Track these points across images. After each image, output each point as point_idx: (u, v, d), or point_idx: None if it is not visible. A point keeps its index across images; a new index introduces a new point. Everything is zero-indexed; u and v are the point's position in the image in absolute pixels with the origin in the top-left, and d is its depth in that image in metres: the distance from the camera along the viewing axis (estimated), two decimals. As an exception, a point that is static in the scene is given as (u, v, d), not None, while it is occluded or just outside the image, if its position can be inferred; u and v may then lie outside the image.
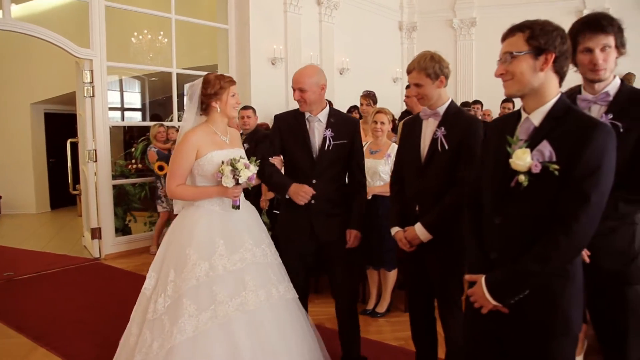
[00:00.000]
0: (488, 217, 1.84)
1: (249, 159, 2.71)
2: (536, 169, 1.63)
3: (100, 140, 6.07)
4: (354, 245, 2.96)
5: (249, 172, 2.65)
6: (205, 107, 2.75)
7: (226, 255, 2.58)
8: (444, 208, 2.52)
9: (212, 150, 2.68)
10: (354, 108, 6.96)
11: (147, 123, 7.23)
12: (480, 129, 2.58)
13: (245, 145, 3.56)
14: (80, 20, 6.19)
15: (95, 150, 6.05)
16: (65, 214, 9.54)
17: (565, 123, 1.66)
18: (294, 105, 3.06)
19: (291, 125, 3.02)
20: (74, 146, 7.00)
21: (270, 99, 7.25)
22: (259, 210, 4.50)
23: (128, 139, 10.87)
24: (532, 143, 1.68)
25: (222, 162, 2.65)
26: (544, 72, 1.68)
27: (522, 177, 1.66)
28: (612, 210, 1.94)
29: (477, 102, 8.29)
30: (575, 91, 2.22)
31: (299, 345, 2.65)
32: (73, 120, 7.13)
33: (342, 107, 6.00)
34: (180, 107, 7.49)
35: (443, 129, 2.58)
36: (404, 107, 5.96)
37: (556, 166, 1.60)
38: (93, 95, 5.99)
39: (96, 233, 6.15)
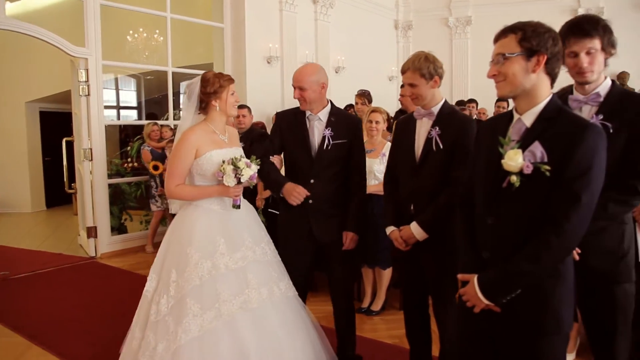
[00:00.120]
0: (480, 217, 1.86)
1: (248, 158, 2.70)
2: (528, 170, 1.65)
3: (95, 139, 6.07)
4: (350, 247, 2.96)
5: (250, 171, 2.64)
6: (204, 106, 2.72)
7: (227, 254, 2.57)
8: (439, 207, 2.53)
9: (211, 150, 2.66)
10: (349, 107, 6.97)
11: (143, 122, 7.22)
12: (474, 128, 2.59)
13: (240, 144, 3.54)
14: (76, 19, 6.17)
15: (91, 149, 6.05)
16: (60, 213, 9.52)
17: (556, 124, 1.67)
18: (290, 104, 3.07)
19: (291, 123, 3.01)
20: (70, 145, 6.99)
21: (265, 98, 7.26)
22: (255, 209, 4.50)
23: (124, 138, 10.85)
24: (524, 144, 1.69)
25: (223, 162, 2.63)
26: (536, 74, 1.69)
27: (514, 178, 1.67)
28: (602, 210, 1.96)
29: (472, 100, 8.32)
30: (567, 91, 2.23)
31: (303, 342, 2.64)
32: (68, 118, 7.11)
33: (338, 105, 6.00)
34: (176, 106, 7.49)
35: (437, 128, 2.59)
36: (400, 106, 5.97)
37: (547, 167, 1.62)
38: (88, 94, 5.98)
39: (92, 232, 6.15)
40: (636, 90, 8.07)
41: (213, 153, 2.66)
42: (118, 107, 12.21)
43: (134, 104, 12.67)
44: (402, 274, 2.99)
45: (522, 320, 1.74)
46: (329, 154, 2.90)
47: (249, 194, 4.56)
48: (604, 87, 2.13)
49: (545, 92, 1.73)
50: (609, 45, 2.09)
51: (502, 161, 1.70)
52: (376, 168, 4.04)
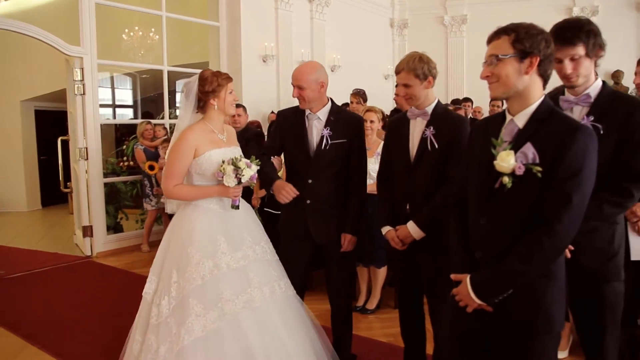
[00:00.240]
0: (473, 217, 1.87)
1: (247, 158, 2.68)
2: (520, 171, 1.66)
3: (91, 138, 6.06)
4: (348, 250, 2.94)
5: (251, 171, 2.62)
6: (202, 105, 2.69)
7: (229, 253, 2.55)
8: (436, 206, 2.54)
9: (210, 149, 2.63)
10: (344, 105, 6.98)
11: (138, 121, 7.22)
12: (467, 127, 2.63)
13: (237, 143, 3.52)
14: (71, 18, 6.15)
15: (87, 148, 6.04)
16: (56, 212, 9.50)
17: (548, 125, 1.69)
18: (285, 103, 3.07)
19: (291, 122, 2.98)
20: (65, 144, 6.99)
21: (261, 97, 7.27)
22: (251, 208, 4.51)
23: (119, 136, 10.85)
24: (516, 145, 1.70)
25: (223, 162, 2.61)
26: (529, 75, 1.71)
27: (506, 179, 1.69)
28: (597, 211, 1.98)
29: (467, 99, 8.34)
30: (558, 91, 2.25)
31: (303, 340, 2.64)
32: (64, 117, 7.11)
33: (333, 104, 6.01)
34: (172, 104, 7.48)
35: (432, 128, 2.61)
36: (395, 105, 5.99)
37: (539, 168, 1.63)
38: (84, 93, 5.97)
39: (88, 231, 6.14)
40: (631, 89, 8.13)
41: (212, 152, 2.63)
42: (114, 106, 12.20)
43: (130, 103, 12.65)
44: (398, 273, 3.01)
45: (514, 320, 1.76)
46: (327, 153, 2.87)
47: (245, 193, 4.55)
48: (594, 88, 2.15)
49: (537, 94, 1.74)
50: (595, 49, 2.09)
51: (494, 162, 1.71)
52: (371, 167, 4.04)
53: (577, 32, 2.06)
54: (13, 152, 9.55)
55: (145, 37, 8.94)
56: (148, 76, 11.48)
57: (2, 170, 9.51)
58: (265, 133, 5.78)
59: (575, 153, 1.61)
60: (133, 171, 7.17)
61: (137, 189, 6.99)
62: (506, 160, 1.67)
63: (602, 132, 2.02)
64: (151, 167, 6.01)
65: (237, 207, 2.70)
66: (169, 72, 6.96)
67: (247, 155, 2.77)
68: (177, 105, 11.92)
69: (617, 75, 8.91)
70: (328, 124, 2.89)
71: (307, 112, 2.92)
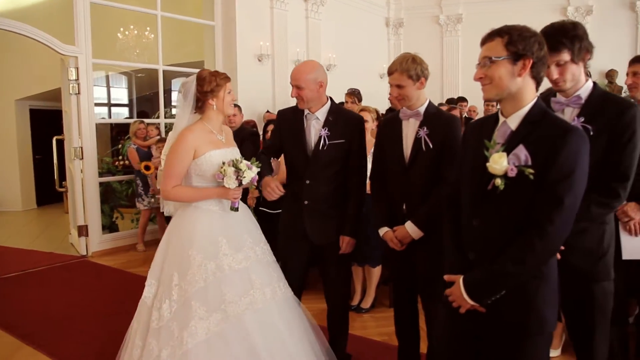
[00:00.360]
0: (466, 219, 1.88)
1: (247, 160, 2.66)
2: (512, 173, 1.67)
3: (86, 138, 6.06)
4: (346, 252, 2.93)
5: (252, 173, 2.60)
6: (200, 105, 2.66)
7: (230, 254, 2.53)
8: (433, 205, 2.56)
9: (210, 150, 2.60)
10: (340, 104, 7.00)
11: (133, 120, 7.22)
12: (459, 126, 2.67)
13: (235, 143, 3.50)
14: (65, 17, 6.14)
15: (82, 147, 6.04)
16: (51, 211, 9.49)
17: (541, 127, 1.70)
18: (281, 103, 3.06)
19: (290, 122, 2.97)
20: (60, 143, 6.98)
21: (256, 96, 7.27)
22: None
23: (115, 136, 10.83)
24: (508, 147, 1.71)
25: (223, 163, 2.58)
26: (522, 78, 1.71)
27: (498, 181, 1.70)
28: (586, 212, 2.00)
29: (462, 99, 8.36)
30: (550, 93, 2.27)
31: (304, 341, 2.63)
32: (59, 116, 7.09)
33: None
34: (167, 104, 7.45)
35: (425, 128, 2.62)
36: (390, 104, 6.01)
37: (531, 170, 1.64)
38: (79, 93, 5.96)
39: (83, 230, 6.14)
40: (624, 89, 8.16)
41: (212, 153, 2.60)
42: (109, 105, 12.17)
43: (125, 102, 12.63)
44: (393, 272, 3.02)
45: (506, 320, 1.77)
46: (325, 154, 2.84)
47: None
48: (585, 90, 2.16)
49: (530, 96, 1.75)
50: (581, 54, 2.11)
51: (487, 164, 1.72)
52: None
53: (561, 39, 2.07)
54: (8, 151, 9.53)
55: (141, 36, 8.92)
56: (143, 75, 11.47)
57: (-3, 170, 9.50)
58: (261, 132, 5.79)
59: (567, 155, 1.62)
60: (128, 170, 7.17)
61: (133, 188, 6.99)
62: (499, 162, 1.68)
63: (592, 133, 2.05)
64: (147, 168, 6.02)
65: (237, 209, 2.67)
66: (164, 71, 6.96)
67: (242, 155, 2.76)
68: (173, 104, 11.92)
69: (611, 74, 8.95)
70: (326, 124, 2.87)
71: (306, 112, 2.89)
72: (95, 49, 6.13)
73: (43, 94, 9.36)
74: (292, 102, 2.95)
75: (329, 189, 2.89)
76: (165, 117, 7.29)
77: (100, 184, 6.48)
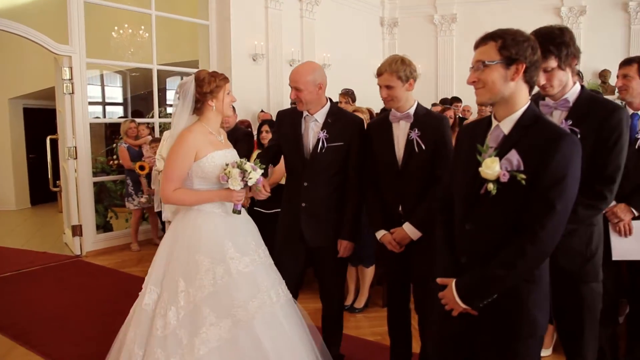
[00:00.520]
0: (459, 222, 1.89)
1: (250, 161, 2.62)
2: (504, 178, 1.67)
3: (80, 137, 6.04)
4: (344, 256, 2.93)
5: (257, 174, 2.56)
6: (199, 106, 2.60)
7: (237, 258, 2.48)
8: (430, 205, 2.57)
9: (212, 151, 2.55)
10: (330, 101, 7.01)
11: (124, 119, 7.22)
12: (449, 125, 2.73)
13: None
14: (59, 16, 6.12)
15: (76, 147, 6.03)
16: (45, 210, 9.46)
17: (533, 132, 1.70)
18: (275, 102, 3.04)
19: (288, 124, 2.95)
20: (54, 142, 6.96)
21: (251, 96, 7.27)
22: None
23: (109, 135, 10.80)
24: (501, 151, 1.72)
25: (227, 165, 2.54)
26: (515, 82, 1.72)
27: (490, 186, 1.70)
28: (573, 213, 2.02)
29: (456, 99, 8.38)
30: (539, 96, 2.29)
31: (306, 342, 2.61)
32: (53, 115, 7.08)
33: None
34: (161, 103, 7.43)
35: (417, 130, 2.65)
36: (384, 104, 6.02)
37: (523, 176, 1.65)
38: (72, 92, 5.95)
39: (77, 230, 6.14)
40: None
41: (214, 154, 2.55)
42: (104, 104, 12.14)
43: (120, 100, 12.60)
44: (387, 272, 3.03)
45: (497, 323, 1.78)
46: (323, 157, 2.82)
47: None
48: (572, 93, 2.19)
49: (523, 100, 1.75)
50: (568, 59, 2.13)
51: (480, 169, 1.72)
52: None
53: (548, 46, 2.08)
54: (1, 150, 9.50)
55: (135, 35, 8.89)
56: (138, 74, 11.44)
57: (-9, 169, 9.46)
58: (255, 132, 5.79)
59: (558, 161, 1.63)
60: (122, 170, 7.15)
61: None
62: (491, 167, 1.69)
63: (579, 135, 2.07)
64: (141, 168, 6.01)
65: (239, 212, 2.62)
66: (158, 70, 6.95)
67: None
68: (168, 103, 11.89)
69: (604, 74, 9.00)
70: (325, 126, 2.84)
71: (305, 113, 2.87)
72: (89, 48, 6.11)
73: (37, 92, 9.32)
74: (287, 102, 2.96)
75: (326, 192, 2.87)
76: (159, 117, 7.28)
77: (95, 183, 6.48)
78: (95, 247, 6.29)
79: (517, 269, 1.69)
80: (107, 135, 10.76)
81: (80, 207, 6.14)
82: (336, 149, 2.83)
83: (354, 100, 5.86)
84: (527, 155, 1.67)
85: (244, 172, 2.51)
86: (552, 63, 2.11)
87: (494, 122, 1.81)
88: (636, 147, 2.81)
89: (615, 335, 2.98)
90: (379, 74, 2.68)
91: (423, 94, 8.73)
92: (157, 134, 6.89)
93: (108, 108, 12.33)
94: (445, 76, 10.17)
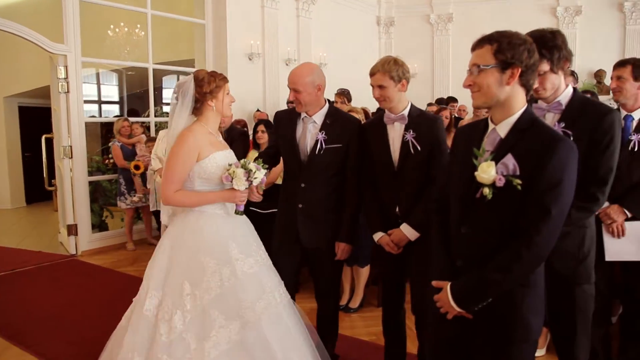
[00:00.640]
0: (455, 226, 1.89)
1: (255, 160, 2.61)
2: (500, 183, 1.66)
3: (75, 136, 6.03)
4: (342, 258, 2.92)
5: (261, 173, 2.53)
6: (198, 106, 2.56)
7: (241, 259, 2.46)
8: (426, 206, 2.57)
9: (214, 152, 2.52)
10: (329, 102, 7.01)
11: (117, 118, 7.20)
12: (443, 125, 2.74)
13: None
14: (54, 15, 6.10)
15: (71, 146, 6.01)
16: (41, 209, 9.43)
17: (530, 136, 1.70)
18: (271, 102, 3.02)
19: (286, 125, 2.94)
20: (49, 141, 6.94)
21: (247, 95, 7.27)
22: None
23: (105, 133, 10.78)
24: (497, 155, 1.71)
25: (230, 165, 2.51)
26: (510, 86, 1.70)
27: (486, 190, 1.69)
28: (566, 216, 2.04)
29: (452, 99, 8.39)
30: (532, 99, 2.30)
31: (306, 342, 2.61)
32: (48, 113, 7.05)
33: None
34: (157, 102, 7.41)
35: (411, 131, 2.65)
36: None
37: (519, 181, 1.64)
38: (68, 91, 5.93)
39: (72, 229, 6.12)
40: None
41: (216, 155, 2.52)
42: (99, 102, 12.11)
43: (116, 99, 12.57)
44: (383, 272, 3.03)
45: (492, 327, 1.79)
46: (322, 158, 2.81)
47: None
48: (565, 96, 2.21)
49: (519, 104, 1.74)
50: (560, 63, 2.14)
51: (475, 173, 1.71)
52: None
53: (540, 49, 2.07)
54: (-3, 149, 9.47)
55: (131, 34, 8.87)
56: (134, 73, 11.41)
57: (-14, 168, 9.42)
58: (250, 132, 5.79)
59: (555, 165, 1.62)
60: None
61: (119, 186, 6.98)
62: (487, 172, 1.68)
63: (572, 138, 2.08)
64: (137, 167, 6.00)
65: (242, 213, 2.61)
66: (154, 69, 6.94)
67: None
68: (164, 101, 11.85)
69: (599, 74, 9.02)
70: (324, 127, 2.83)
71: (303, 115, 2.86)
72: (85, 47, 6.10)
73: (32, 91, 9.29)
74: (283, 102, 2.95)
75: (324, 193, 2.86)
76: (155, 116, 7.27)
77: (90, 182, 6.46)
78: (90, 247, 6.28)
79: (512, 274, 1.68)
80: (102, 134, 10.74)
81: (75, 207, 6.12)
82: (335, 150, 2.82)
83: (349, 100, 5.87)
84: (523, 160, 1.66)
85: (248, 172, 2.49)
86: (545, 66, 2.12)
87: (491, 125, 1.80)
88: (629, 148, 2.83)
89: (608, 336, 3.00)
90: (372, 74, 2.69)
91: (419, 94, 8.76)
92: (152, 133, 6.88)
93: (104, 106, 12.30)
94: (441, 76, 10.18)
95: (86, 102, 7.03)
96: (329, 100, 2.96)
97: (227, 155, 2.60)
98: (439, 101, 8.27)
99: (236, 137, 4.74)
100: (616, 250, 2.76)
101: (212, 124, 2.62)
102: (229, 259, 2.43)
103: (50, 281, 5.21)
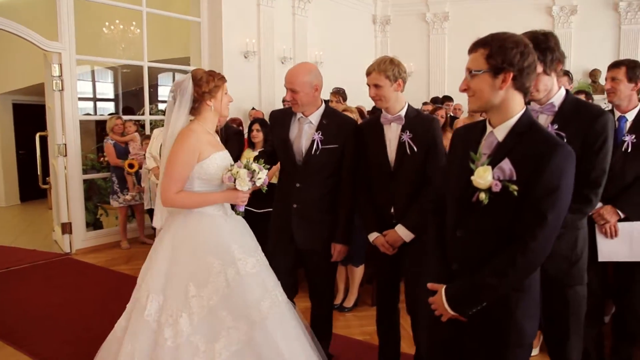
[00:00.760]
0: (450, 229, 1.88)
1: (255, 160, 2.59)
2: (496, 188, 1.65)
3: (70, 134, 6.01)
4: (339, 259, 2.92)
5: (264, 174, 2.52)
6: (196, 106, 2.52)
7: (243, 259, 2.44)
8: (423, 207, 2.58)
9: (214, 152, 2.50)
10: (326, 102, 7.00)
11: (110, 116, 7.17)
12: (439, 126, 2.75)
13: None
14: (49, 12, 6.07)
15: (65, 144, 5.99)
16: (35, 207, 9.39)
17: (527, 140, 1.68)
18: (267, 100, 3.01)
19: (282, 124, 2.93)
20: (44, 139, 6.91)
21: (242, 93, 7.23)
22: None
23: (100, 131, 10.73)
24: (494, 159, 1.69)
25: (232, 166, 2.49)
26: (504, 90, 1.68)
27: (482, 195, 1.67)
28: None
29: (447, 98, 8.39)
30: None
31: (310, 342, 2.60)
32: (43, 111, 7.01)
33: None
34: (152, 100, 7.37)
35: (408, 132, 2.66)
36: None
37: (515, 187, 1.62)
38: (62, 89, 5.91)
39: (67, 228, 6.10)
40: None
41: (216, 156, 2.50)
42: (95, 100, 12.06)
43: (111, 96, 12.52)
44: (378, 271, 3.04)
45: (486, 331, 1.78)
46: (318, 159, 2.80)
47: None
48: (558, 98, 2.21)
49: (517, 107, 1.71)
50: (553, 64, 2.14)
51: (472, 178, 1.70)
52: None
53: None
54: (-10, 146, 9.43)
55: (127, 31, 8.84)
56: (129, 70, 11.37)
57: (-21, 165, 9.38)
58: (246, 131, 5.78)
59: (552, 171, 1.61)
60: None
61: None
62: (483, 177, 1.66)
63: (565, 140, 2.08)
64: (131, 166, 5.98)
65: (243, 213, 2.60)
66: (150, 66, 6.92)
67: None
68: (160, 99, 11.82)
69: (594, 74, 9.04)
70: (320, 128, 2.81)
71: (299, 115, 2.85)
72: (79, 44, 6.07)
73: (27, 88, 9.24)
74: (278, 100, 2.94)
75: (319, 194, 2.86)
76: (150, 114, 7.25)
77: (85, 180, 6.44)
78: (84, 245, 6.26)
79: (507, 279, 1.68)
80: (97, 132, 10.70)
81: (69, 205, 6.11)
82: (331, 151, 2.81)
83: (345, 99, 5.87)
84: (520, 164, 1.64)
85: (252, 173, 2.48)
86: (538, 68, 2.13)
87: (489, 128, 1.79)
88: (622, 149, 2.84)
89: (601, 335, 3.01)
90: (368, 73, 2.69)
91: (415, 93, 8.76)
92: (147, 131, 6.85)
93: (99, 104, 12.24)
94: (437, 74, 10.17)
95: (81, 99, 6.98)
96: (324, 101, 2.95)
97: (225, 156, 2.58)
98: (435, 100, 8.27)
99: (231, 136, 4.73)
100: (609, 250, 2.77)
101: (210, 123, 2.59)
102: (233, 260, 2.41)
103: (44, 280, 5.19)
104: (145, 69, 6.84)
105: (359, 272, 4.25)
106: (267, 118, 5.16)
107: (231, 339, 2.32)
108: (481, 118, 1.87)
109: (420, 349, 2.83)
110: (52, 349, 3.57)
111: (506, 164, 1.65)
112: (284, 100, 4.84)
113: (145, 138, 6.07)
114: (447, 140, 2.72)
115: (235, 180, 2.45)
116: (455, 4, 10.04)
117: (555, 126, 2.15)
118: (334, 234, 2.88)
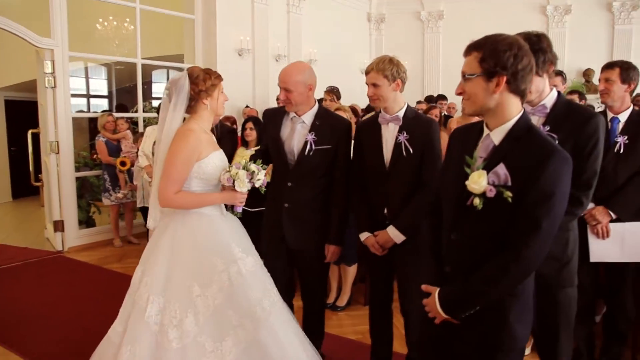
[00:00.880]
0: (445, 231, 1.87)
1: (251, 159, 2.58)
2: (491, 194, 1.62)
3: (62, 132, 5.98)
4: (331, 260, 2.91)
5: (262, 174, 2.51)
6: (193, 105, 2.49)
7: (243, 258, 2.44)
8: (415, 209, 2.59)
9: (212, 151, 2.48)
10: (320, 101, 7.00)
11: (102, 113, 7.13)
12: (438, 129, 2.72)
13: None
14: (41, 8, 6.03)
15: (58, 142, 5.95)
16: (27, 204, 9.35)
17: (524, 145, 1.65)
18: (261, 98, 2.98)
19: (275, 124, 2.92)
20: (35, 136, 6.87)
21: (236, 91, 7.22)
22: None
23: (93, 128, 10.68)
24: (490, 162, 1.68)
25: (231, 166, 2.48)
26: (498, 94, 1.65)
27: (477, 200, 1.66)
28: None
29: (442, 97, 8.40)
30: None
31: (307, 339, 2.61)
32: (35, 107, 6.98)
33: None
34: (146, 97, 7.33)
35: (405, 133, 2.65)
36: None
37: (510, 194, 1.60)
38: (55, 86, 5.87)
39: (59, 226, 6.07)
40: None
41: (214, 155, 2.48)
42: (88, 96, 12.01)
43: (105, 93, 12.46)
44: (370, 271, 3.04)
45: (478, 335, 1.77)
46: (311, 159, 2.78)
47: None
48: (549, 99, 2.22)
49: (513, 110, 1.68)
50: (545, 66, 2.15)
51: (466, 183, 1.68)
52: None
53: None
54: (-18, 143, 9.36)
55: (120, 27, 8.79)
56: (123, 67, 11.32)
57: (-29, 162, 9.32)
58: (240, 129, 5.77)
59: (547, 178, 1.58)
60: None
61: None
62: (477, 182, 1.64)
63: (557, 141, 2.09)
64: (123, 163, 5.95)
65: (241, 214, 2.59)
66: (143, 63, 6.89)
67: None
68: (154, 96, 11.77)
69: (587, 73, 9.08)
70: (313, 128, 2.80)
71: (292, 114, 2.83)
72: (72, 41, 6.03)
73: (19, 84, 9.20)
74: (272, 98, 2.93)
75: (311, 194, 2.84)
76: (144, 111, 7.22)
77: (77, 178, 6.41)
78: (77, 243, 6.23)
79: (499, 286, 1.66)
80: (90, 128, 10.64)
81: (62, 202, 6.07)
82: (324, 151, 2.79)
83: (338, 97, 5.86)
84: (516, 169, 1.61)
85: (251, 174, 2.47)
86: None
87: (485, 131, 1.76)
88: (615, 150, 2.85)
89: (592, 335, 3.03)
90: (367, 72, 2.68)
91: (409, 91, 8.67)
92: (141, 129, 6.82)
93: (92, 101, 12.19)
94: (432, 73, 10.19)
95: (74, 96, 6.94)
96: (318, 101, 2.94)
97: (221, 155, 2.56)
98: (429, 99, 8.28)
99: (224, 134, 4.72)
100: (600, 251, 2.78)
101: (207, 122, 2.56)
102: (234, 259, 2.41)
103: (36, 278, 5.15)
104: (139, 66, 6.80)
105: (352, 271, 4.25)
106: (260, 116, 5.15)
107: (238, 337, 2.31)
108: (476, 118, 1.86)
109: (412, 350, 2.83)
110: (43, 348, 3.54)
111: (501, 169, 1.62)
112: (278, 99, 4.84)
113: (139, 136, 6.04)
114: (441, 139, 2.73)
115: (234, 181, 2.44)
116: (450, 2, 10.05)
117: (547, 128, 2.16)
118: (326, 234, 2.87)
